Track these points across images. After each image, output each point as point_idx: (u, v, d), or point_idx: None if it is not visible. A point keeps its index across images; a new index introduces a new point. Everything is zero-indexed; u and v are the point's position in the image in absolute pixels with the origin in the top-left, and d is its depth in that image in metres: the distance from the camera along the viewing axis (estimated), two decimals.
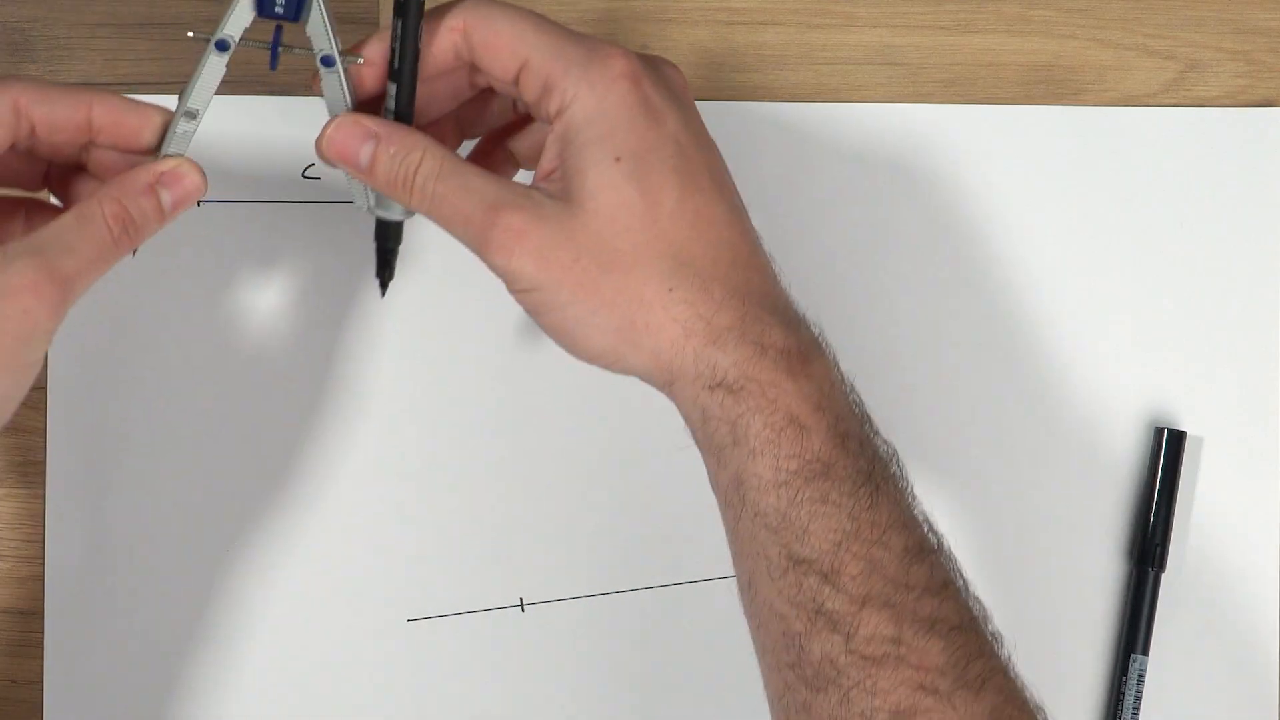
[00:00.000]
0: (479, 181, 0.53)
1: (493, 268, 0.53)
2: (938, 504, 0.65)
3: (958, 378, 0.66)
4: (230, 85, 0.66)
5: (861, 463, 0.52)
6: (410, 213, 0.56)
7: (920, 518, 0.53)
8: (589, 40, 0.54)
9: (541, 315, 0.54)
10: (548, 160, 0.54)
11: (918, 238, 0.66)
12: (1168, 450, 0.65)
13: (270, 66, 0.53)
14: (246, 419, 0.65)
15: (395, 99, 0.54)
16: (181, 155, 0.55)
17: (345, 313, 0.66)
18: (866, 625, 0.50)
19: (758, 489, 0.52)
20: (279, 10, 0.52)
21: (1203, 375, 0.66)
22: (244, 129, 0.66)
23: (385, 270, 0.59)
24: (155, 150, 0.55)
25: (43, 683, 0.65)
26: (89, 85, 0.57)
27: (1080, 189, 0.66)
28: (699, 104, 0.66)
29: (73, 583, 0.65)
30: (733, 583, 0.65)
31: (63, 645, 0.65)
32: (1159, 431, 0.65)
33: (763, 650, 0.54)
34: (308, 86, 0.66)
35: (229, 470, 0.65)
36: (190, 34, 0.54)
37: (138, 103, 0.55)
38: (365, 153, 0.54)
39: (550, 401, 0.65)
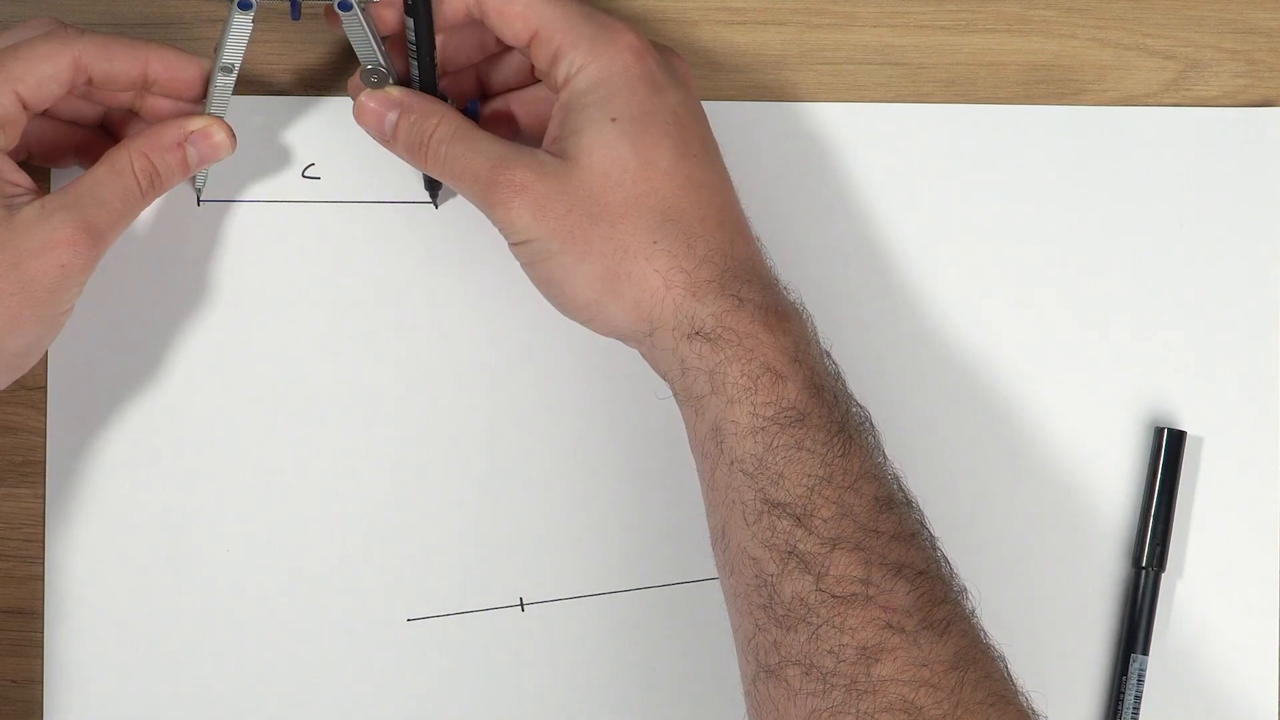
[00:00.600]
0: (487, 143, 0.57)
1: (495, 221, 0.57)
2: (937, 504, 0.65)
3: (957, 377, 0.66)
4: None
5: (836, 414, 0.54)
6: None
7: (890, 475, 0.56)
8: (600, 16, 0.57)
9: (533, 266, 0.57)
10: (553, 127, 0.57)
11: (918, 238, 0.66)
12: (1168, 450, 0.65)
13: (292, 16, 0.57)
14: (246, 419, 0.65)
15: (414, 40, 0.57)
16: (212, 115, 0.60)
17: (346, 313, 0.66)
18: (836, 566, 0.52)
19: (735, 435, 0.53)
20: None
21: (1203, 375, 0.66)
22: (244, 129, 0.66)
23: (435, 186, 0.64)
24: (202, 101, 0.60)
25: (43, 683, 0.65)
26: (146, 40, 0.59)
27: (1080, 189, 0.66)
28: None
29: (73, 583, 0.65)
30: None
31: (63, 645, 0.65)
32: (1159, 431, 0.65)
33: (734, 595, 0.55)
34: (308, 86, 0.66)
35: (229, 470, 0.65)
36: None
37: (190, 56, 0.59)
38: (390, 120, 0.59)
39: (551, 402, 0.65)
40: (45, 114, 0.60)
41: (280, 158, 0.66)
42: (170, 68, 0.59)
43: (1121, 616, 0.65)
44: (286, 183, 0.66)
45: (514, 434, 0.65)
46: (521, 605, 0.65)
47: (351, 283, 0.66)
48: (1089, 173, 0.66)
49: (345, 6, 0.56)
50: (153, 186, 0.59)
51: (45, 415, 0.65)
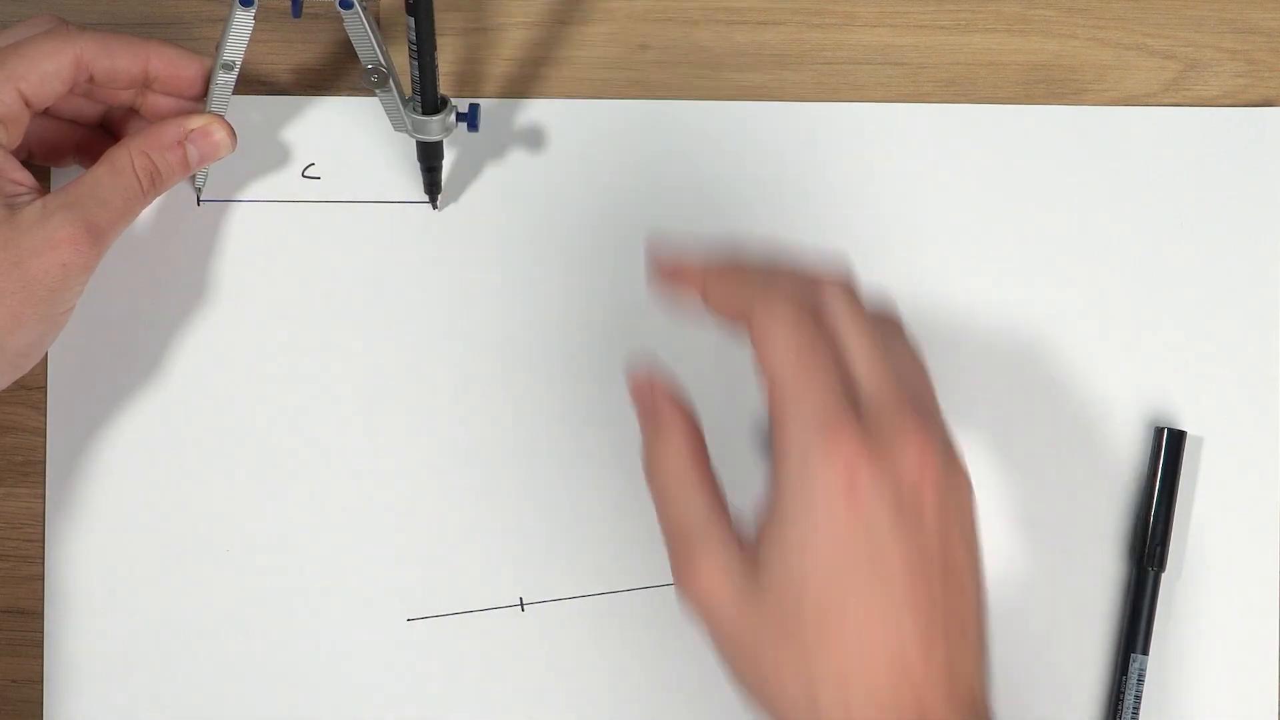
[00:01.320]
0: (695, 502, 0.51)
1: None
2: None
3: (957, 377, 0.66)
4: None
5: None
6: (448, 130, 0.60)
7: None
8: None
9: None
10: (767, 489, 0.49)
11: (917, 238, 0.66)
12: (1168, 450, 0.65)
13: (293, 14, 0.57)
14: (246, 418, 0.65)
15: (415, 40, 0.57)
16: (212, 113, 0.60)
17: (345, 313, 0.66)
18: None
19: None
20: None
21: (1203, 375, 0.66)
22: (244, 129, 0.66)
23: (434, 189, 0.64)
24: (202, 99, 0.60)
25: (43, 683, 0.65)
26: (146, 37, 0.60)
27: (1080, 189, 0.66)
28: (699, 104, 0.66)
29: (73, 583, 0.65)
30: None
31: (63, 645, 0.65)
32: (1159, 431, 0.65)
33: None
34: (308, 86, 0.66)
35: (229, 470, 0.65)
36: None
37: (191, 54, 0.59)
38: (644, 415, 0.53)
39: (551, 402, 0.65)
40: (46, 113, 0.60)
41: (280, 158, 0.66)
42: (171, 65, 0.59)
43: (1121, 616, 0.65)
44: (286, 183, 0.66)
45: (514, 434, 0.65)
46: (521, 605, 0.65)
47: (351, 283, 0.66)
48: (1089, 173, 0.66)
49: (346, 5, 0.56)
50: (153, 185, 0.59)
51: (45, 415, 0.65)
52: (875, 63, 0.66)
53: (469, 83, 0.66)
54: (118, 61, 0.58)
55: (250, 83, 0.66)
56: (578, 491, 0.65)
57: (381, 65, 0.60)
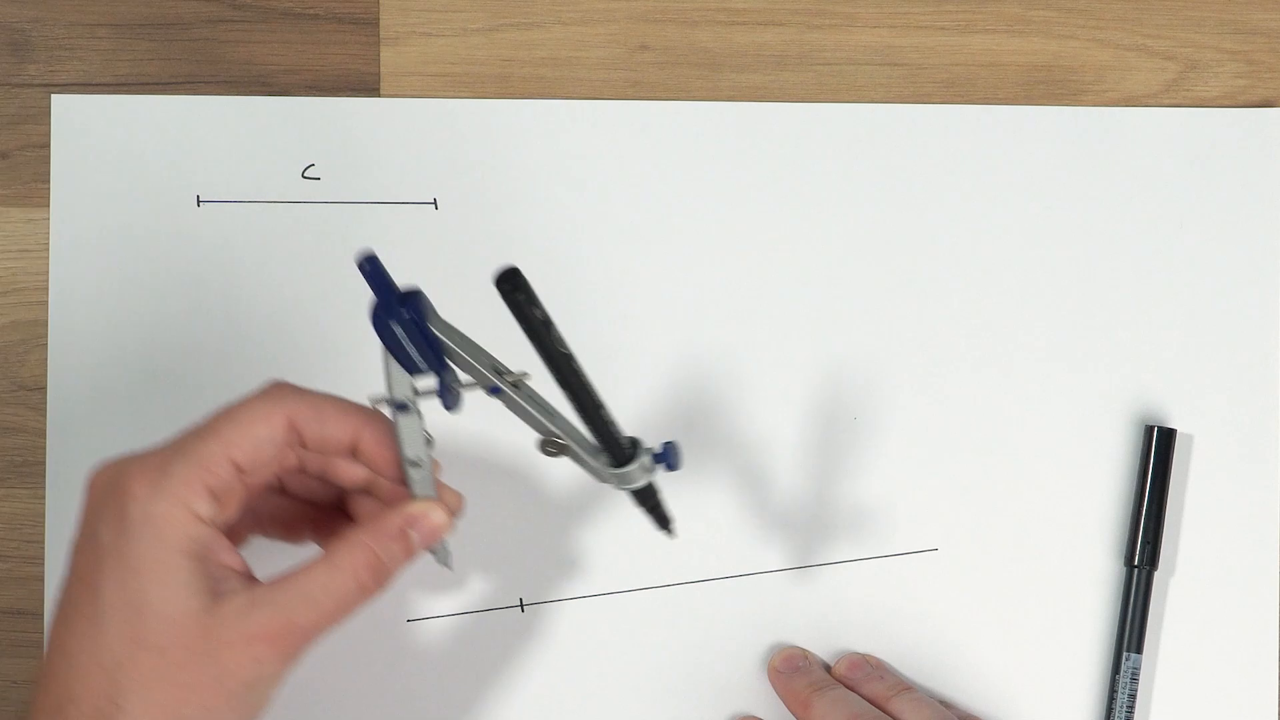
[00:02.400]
0: None
1: None
2: (931, 503, 0.65)
3: (953, 376, 0.66)
4: (230, 85, 0.66)
5: None
6: (649, 471, 0.56)
7: None
8: None
9: None
10: None
11: (917, 238, 0.66)
12: (1158, 448, 0.65)
13: (447, 408, 0.54)
14: None
15: (577, 409, 0.53)
16: (429, 499, 0.56)
17: (345, 313, 0.66)
18: None
19: None
20: (421, 367, 0.52)
21: (1193, 373, 0.66)
22: (244, 129, 0.66)
23: (665, 520, 0.59)
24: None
25: None
26: (359, 405, 0.56)
27: (1080, 189, 0.66)
28: (698, 104, 0.66)
29: None
30: (732, 583, 0.65)
31: None
32: (1149, 429, 0.65)
33: None
34: (308, 86, 0.66)
35: None
36: (369, 400, 0.55)
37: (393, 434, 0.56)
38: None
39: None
40: (283, 491, 0.58)
41: (280, 158, 0.66)
42: (377, 443, 0.56)
43: (1114, 615, 0.65)
44: (286, 183, 0.66)
45: (513, 434, 0.65)
46: (521, 605, 0.65)
47: (351, 283, 0.66)
48: (1089, 173, 0.66)
49: (495, 391, 0.53)
50: (376, 579, 0.55)
51: (45, 415, 0.65)
52: (875, 64, 0.66)
53: (469, 83, 0.66)
54: (329, 428, 0.55)
55: (250, 83, 0.66)
56: (578, 492, 0.65)
57: (555, 435, 0.55)
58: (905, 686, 0.63)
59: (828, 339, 0.66)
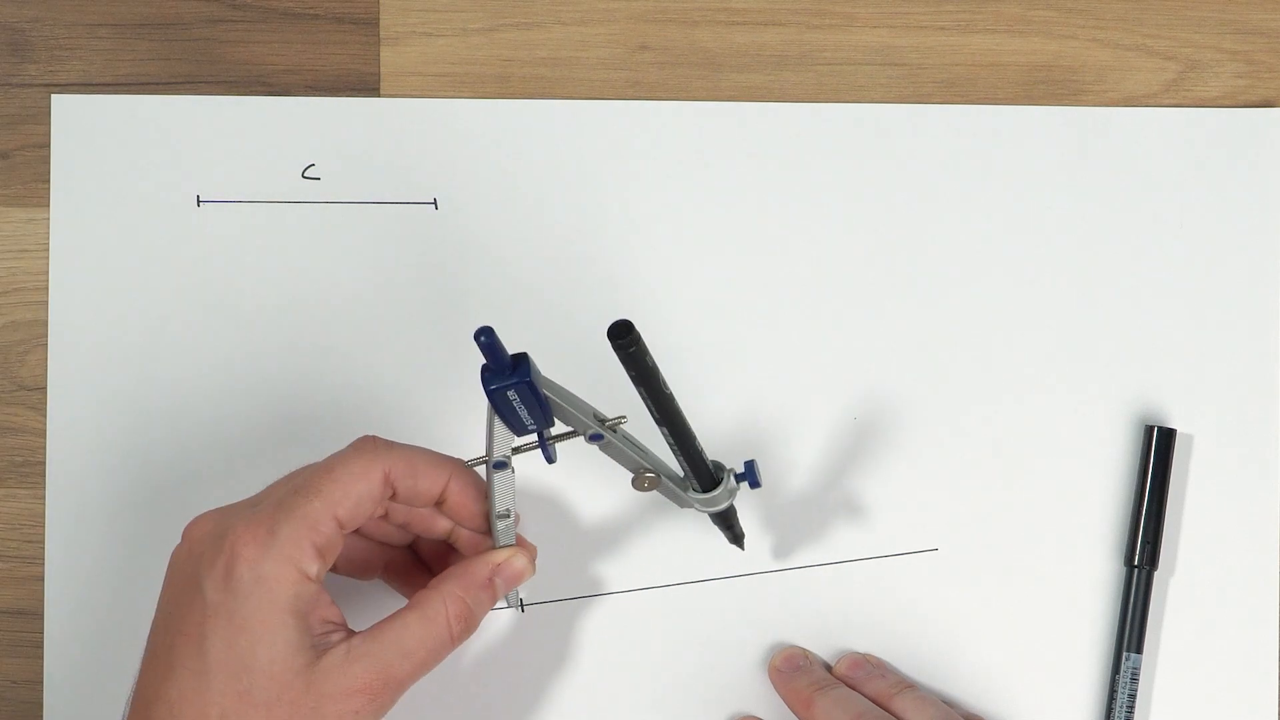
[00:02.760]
0: None
1: None
2: (931, 503, 0.65)
3: (953, 376, 0.66)
4: (230, 85, 0.66)
5: None
6: (733, 493, 0.58)
7: None
8: None
9: None
10: None
11: (917, 237, 0.66)
12: (1158, 448, 0.65)
13: (549, 460, 0.56)
14: (246, 419, 0.65)
15: (673, 445, 0.55)
16: (512, 546, 0.59)
17: (345, 313, 0.66)
18: None
19: None
20: (531, 427, 0.54)
21: (1193, 373, 0.66)
22: (244, 129, 0.66)
23: (739, 538, 0.62)
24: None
25: (43, 683, 0.65)
26: (448, 457, 0.58)
27: (1080, 189, 0.66)
28: (698, 104, 0.66)
29: (73, 583, 0.65)
30: (732, 583, 0.65)
31: (63, 645, 0.65)
32: (1149, 429, 0.65)
33: None
34: (308, 86, 0.66)
35: (228, 470, 0.65)
36: (466, 461, 0.58)
37: (481, 487, 0.58)
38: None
39: None
40: (356, 532, 0.59)
41: (280, 158, 0.66)
42: (462, 495, 0.58)
43: (1114, 615, 0.65)
44: (286, 183, 0.66)
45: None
46: (521, 605, 0.65)
47: (351, 283, 0.66)
48: (1089, 173, 0.66)
49: (596, 438, 0.55)
50: (464, 629, 0.58)
51: (45, 415, 0.65)
52: (875, 64, 0.66)
53: (469, 83, 0.66)
54: (420, 482, 0.57)
55: (250, 83, 0.66)
56: (577, 491, 0.65)
57: (647, 470, 0.57)
58: (907, 684, 0.63)
59: (828, 339, 0.66)
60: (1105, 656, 0.65)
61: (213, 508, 0.57)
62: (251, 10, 0.66)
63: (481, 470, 0.57)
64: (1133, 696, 0.64)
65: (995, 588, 0.65)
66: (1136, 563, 0.64)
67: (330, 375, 0.66)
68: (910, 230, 0.66)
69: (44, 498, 0.65)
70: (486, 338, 0.51)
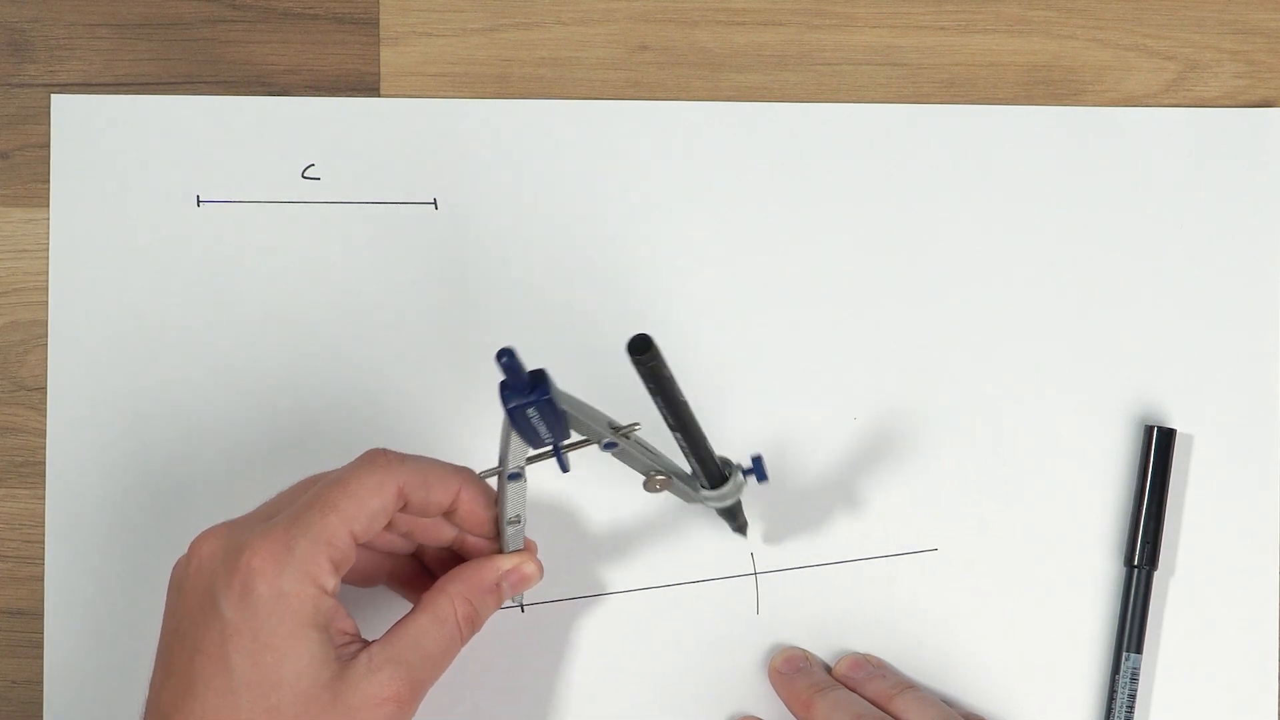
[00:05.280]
0: None
1: None
2: (931, 504, 0.65)
3: (952, 377, 0.66)
4: (230, 85, 0.66)
5: None
6: (740, 488, 0.59)
7: None
8: None
9: None
10: None
11: (917, 238, 0.66)
12: (1158, 448, 0.65)
13: (563, 470, 0.56)
14: (246, 419, 0.65)
15: (685, 449, 0.56)
16: (520, 552, 0.60)
17: (345, 313, 0.66)
18: None
19: None
20: (548, 440, 0.54)
21: (1193, 373, 0.66)
22: (244, 129, 0.66)
23: (743, 527, 0.63)
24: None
25: (43, 683, 0.65)
26: (459, 467, 0.58)
27: (1080, 189, 0.66)
28: (699, 104, 0.66)
29: (73, 583, 0.65)
30: (733, 583, 0.65)
31: (63, 645, 0.65)
32: (1149, 429, 0.65)
33: None
34: (308, 86, 0.66)
35: (228, 470, 0.65)
36: (479, 472, 0.58)
37: (490, 496, 0.58)
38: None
39: None
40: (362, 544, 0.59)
41: (280, 158, 0.66)
42: (473, 503, 0.58)
43: (1114, 615, 0.65)
44: (286, 183, 0.66)
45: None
46: (521, 606, 0.65)
47: (351, 283, 0.66)
48: (1089, 173, 0.66)
49: (610, 446, 0.56)
50: (471, 630, 0.58)
51: (45, 415, 0.65)
52: (875, 64, 0.66)
53: (469, 83, 0.66)
54: (432, 494, 0.57)
55: (250, 83, 0.66)
56: (577, 491, 0.65)
57: (659, 473, 0.58)
58: (908, 685, 0.63)
59: (827, 339, 0.66)
60: (1105, 656, 0.65)
61: (217, 521, 0.57)
62: (251, 10, 0.66)
63: (492, 480, 0.57)
64: (1133, 696, 0.64)
65: (995, 588, 0.65)
66: (1136, 563, 0.64)
67: (330, 375, 0.66)
68: (910, 230, 0.66)
69: (44, 498, 0.65)
70: (508, 359, 0.51)
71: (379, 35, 0.66)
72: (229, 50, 0.66)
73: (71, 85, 0.66)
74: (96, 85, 0.66)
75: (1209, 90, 0.67)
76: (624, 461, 0.57)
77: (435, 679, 0.57)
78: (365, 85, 0.66)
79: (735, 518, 0.62)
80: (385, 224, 0.66)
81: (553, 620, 0.65)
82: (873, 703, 0.62)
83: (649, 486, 0.58)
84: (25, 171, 0.66)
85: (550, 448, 0.55)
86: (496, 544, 0.59)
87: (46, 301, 0.66)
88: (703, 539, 0.65)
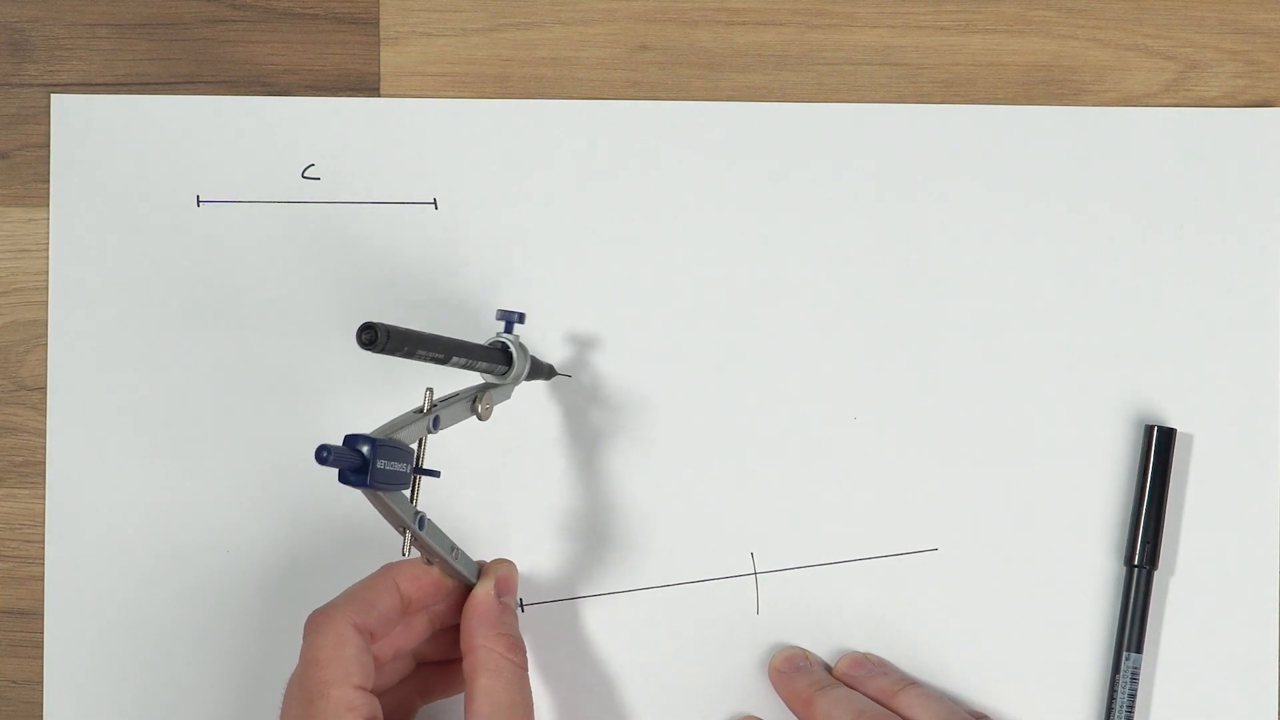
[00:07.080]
0: None
1: None
2: (931, 504, 0.65)
3: (953, 376, 0.66)
4: (230, 85, 0.66)
5: None
6: (526, 351, 0.60)
7: None
8: None
9: None
10: None
11: (917, 237, 0.66)
12: (1158, 447, 0.65)
13: (436, 475, 0.55)
14: (246, 418, 0.65)
15: (473, 366, 0.58)
16: (487, 566, 0.61)
17: (345, 313, 0.66)
18: None
19: None
20: (408, 474, 0.53)
21: (1193, 373, 0.66)
22: (244, 129, 0.66)
23: (551, 371, 0.64)
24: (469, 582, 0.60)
25: (43, 683, 0.65)
26: (384, 569, 0.59)
27: (1080, 189, 0.66)
28: (698, 104, 0.66)
29: (73, 583, 0.65)
30: (732, 583, 0.65)
31: (63, 645, 0.65)
32: (1149, 429, 0.65)
33: None
34: (308, 86, 0.66)
35: (228, 470, 0.65)
36: (401, 555, 0.56)
37: (416, 562, 0.58)
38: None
39: (550, 403, 0.65)
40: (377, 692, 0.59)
41: (280, 158, 0.66)
42: (415, 584, 0.59)
43: (1114, 615, 0.65)
44: (286, 183, 0.66)
45: (513, 435, 0.65)
46: (521, 606, 0.65)
47: (351, 283, 0.66)
48: (1089, 173, 0.66)
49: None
50: (522, 653, 0.59)
51: (45, 415, 0.65)
52: (875, 63, 0.66)
53: (469, 83, 0.66)
54: (380, 602, 0.58)
55: (250, 83, 0.66)
56: (577, 492, 0.65)
57: (482, 410, 0.59)
58: (910, 681, 0.63)
59: (827, 339, 0.66)
60: (1105, 656, 0.65)
61: (216, 520, 0.56)
62: (251, 10, 0.66)
63: (413, 550, 0.56)
64: (1133, 696, 0.64)
65: (995, 588, 0.65)
66: (1136, 562, 0.64)
67: (330, 375, 0.66)
68: (910, 230, 0.66)
69: (44, 498, 0.65)
70: (328, 454, 0.49)
71: (379, 35, 0.66)
72: (229, 50, 0.66)
73: (71, 85, 0.66)
74: (96, 85, 0.66)
75: (1209, 90, 0.67)
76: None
77: (533, 715, 0.58)
78: (365, 85, 0.66)
79: (542, 371, 0.63)
80: (385, 224, 0.66)
81: (553, 620, 0.65)
82: (875, 700, 0.62)
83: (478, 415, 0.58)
84: (25, 171, 0.66)
85: (411, 475, 0.54)
86: (462, 584, 0.60)
87: (46, 301, 0.66)
88: (703, 539, 0.65)
